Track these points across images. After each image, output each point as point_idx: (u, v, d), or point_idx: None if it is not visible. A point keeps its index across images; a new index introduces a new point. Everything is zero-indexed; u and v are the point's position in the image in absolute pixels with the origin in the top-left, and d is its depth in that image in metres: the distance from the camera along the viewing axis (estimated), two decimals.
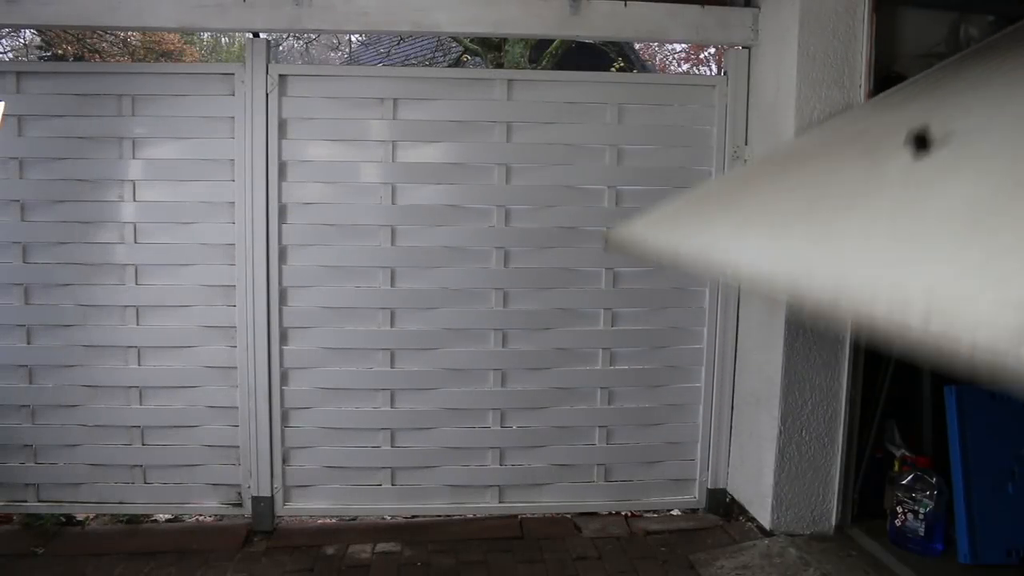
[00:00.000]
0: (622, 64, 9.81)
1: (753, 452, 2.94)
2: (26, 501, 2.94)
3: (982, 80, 2.02)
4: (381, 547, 2.83)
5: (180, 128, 2.84)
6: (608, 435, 3.06)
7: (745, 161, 2.97)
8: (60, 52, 9.84)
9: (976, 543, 2.54)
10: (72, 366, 2.89)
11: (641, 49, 12.17)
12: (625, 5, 2.82)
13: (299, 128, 2.86)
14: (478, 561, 2.73)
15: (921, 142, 1.77)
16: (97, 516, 3.02)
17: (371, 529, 2.99)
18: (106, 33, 9.18)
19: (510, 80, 2.95)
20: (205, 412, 2.93)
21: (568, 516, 3.08)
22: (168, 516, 3.04)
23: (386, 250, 2.92)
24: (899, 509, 2.67)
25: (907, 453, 2.77)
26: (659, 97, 3.02)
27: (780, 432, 2.77)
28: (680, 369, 3.08)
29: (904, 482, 2.68)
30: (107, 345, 2.89)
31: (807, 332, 2.74)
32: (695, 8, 2.87)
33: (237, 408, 2.92)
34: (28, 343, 2.87)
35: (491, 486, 3.05)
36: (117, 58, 9.68)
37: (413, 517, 3.09)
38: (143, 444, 2.93)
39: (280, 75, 2.83)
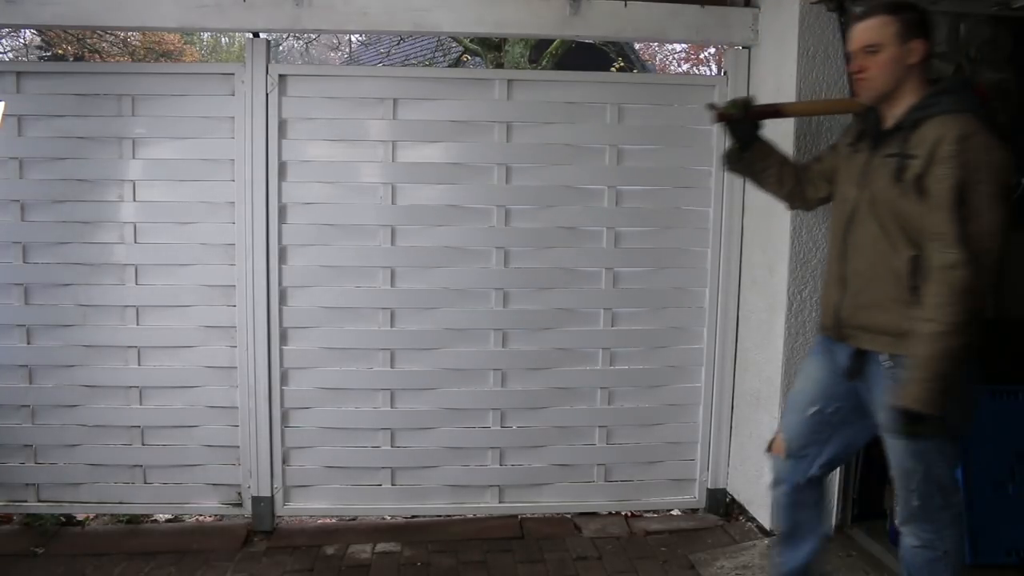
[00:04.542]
0: (622, 64, 9.82)
1: (753, 452, 2.93)
2: (26, 501, 2.93)
3: None
4: (381, 547, 2.83)
5: (180, 128, 2.83)
6: (608, 435, 3.06)
7: None
8: (60, 52, 9.86)
9: (976, 543, 2.53)
10: (72, 366, 2.89)
11: (641, 49, 12.18)
12: (625, 5, 2.82)
13: (299, 128, 2.86)
14: (478, 561, 2.73)
15: None
16: (97, 516, 3.02)
17: (371, 529, 2.99)
18: (106, 33, 9.18)
19: (510, 80, 2.95)
20: (205, 412, 2.93)
21: (568, 516, 3.08)
22: (168, 516, 3.04)
23: (386, 250, 2.92)
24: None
25: None
26: (659, 97, 3.02)
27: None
28: (680, 369, 3.08)
29: None
30: (107, 345, 2.89)
31: (807, 331, 2.74)
32: (695, 8, 2.87)
33: (237, 408, 2.91)
34: (28, 343, 2.87)
35: (491, 486, 3.05)
36: (117, 58, 9.69)
37: (413, 517, 3.09)
38: (143, 444, 2.92)
39: (280, 75, 2.82)
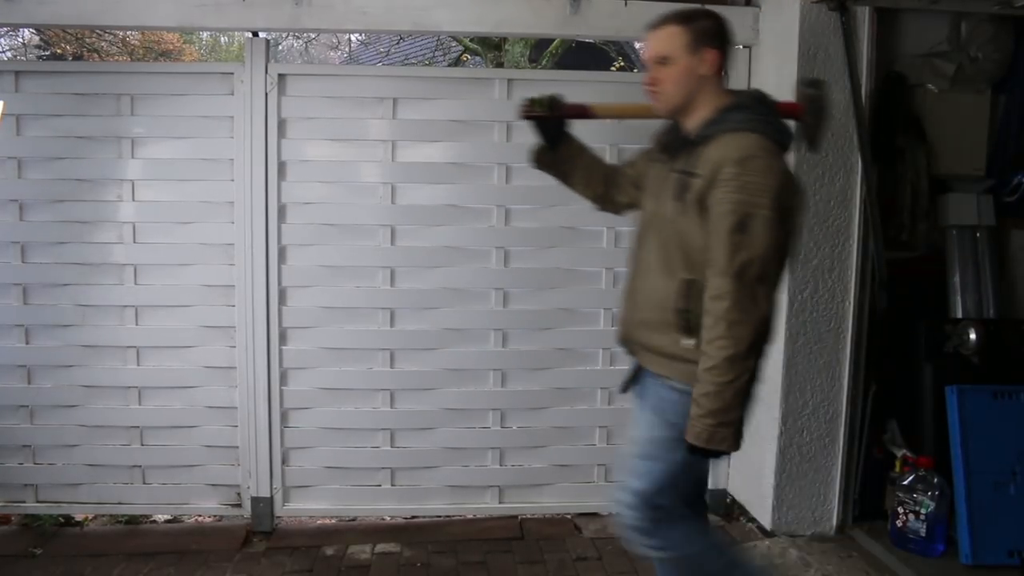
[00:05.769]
0: (622, 64, 9.80)
1: (753, 452, 2.92)
2: (25, 502, 2.93)
3: None
4: (381, 547, 2.83)
5: (179, 128, 2.82)
6: (608, 435, 3.05)
7: None
8: (59, 51, 9.84)
9: (977, 544, 2.53)
10: (71, 366, 2.88)
11: (641, 49, 12.17)
12: (625, 4, 2.81)
13: (298, 128, 2.85)
14: (478, 562, 2.72)
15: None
16: (96, 517, 3.01)
17: (371, 529, 2.98)
18: (105, 32, 9.17)
19: (510, 80, 2.94)
20: (204, 412, 2.92)
21: (568, 516, 3.07)
22: (167, 517, 3.03)
23: (386, 250, 2.91)
24: (900, 510, 2.66)
25: (908, 453, 2.76)
26: None
27: (781, 432, 2.76)
28: None
29: (905, 482, 2.67)
30: (106, 345, 2.88)
31: (808, 332, 2.74)
32: (695, 8, 2.85)
33: (236, 408, 2.91)
34: (27, 343, 2.86)
35: (491, 486, 3.04)
36: (116, 57, 9.68)
37: (413, 517, 3.08)
38: (142, 444, 2.92)
39: (279, 75, 2.81)
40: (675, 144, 1.81)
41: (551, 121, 2.00)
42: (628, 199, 2.05)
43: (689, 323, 1.70)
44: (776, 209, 1.61)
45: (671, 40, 1.76)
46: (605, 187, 2.08)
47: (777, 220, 1.61)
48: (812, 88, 1.89)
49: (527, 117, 2.00)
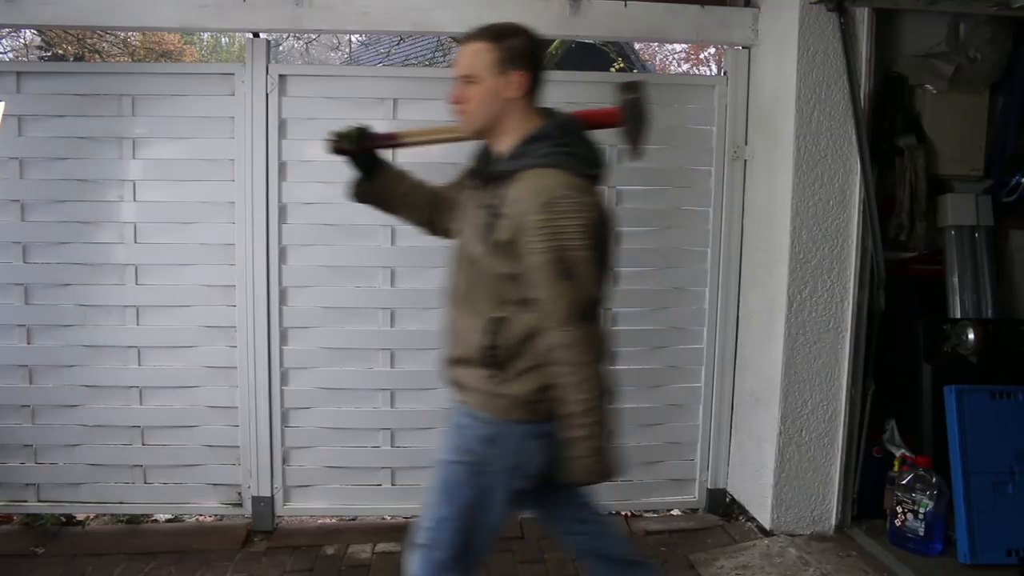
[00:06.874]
0: (622, 64, 9.79)
1: (753, 452, 2.94)
2: (26, 501, 2.94)
3: None
4: (381, 547, 2.83)
5: (180, 128, 2.83)
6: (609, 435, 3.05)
7: (745, 162, 2.97)
8: (60, 52, 9.84)
9: (976, 543, 2.54)
10: (72, 366, 2.89)
11: (641, 49, 12.15)
12: (625, 5, 2.82)
13: (299, 128, 2.85)
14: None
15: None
16: (97, 516, 3.02)
17: (371, 529, 2.99)
18: (106, 33, 9.18)
19: None
20: (205, 412, 2.93)
21: None
22: (168, 516, 3.04)
23: (386, 250, 2.92)
24: (899, 509, 2.67)
25: (907, 453, 2.77)
26: (659, 97, 2.97)
27: (780, 432, 2.77)
28: (680, 369, 3.08)
29: (904, 482, 2.68)
30: (107, 345, 2.89)
31: (807, 332, 2.74)
32: (695, 8, 2.87)
33: (237, 408, 2.92)
34: (28, 343, 2.87)
35: None
36: (117, 58, 9.67)
37: (413, 517, 3.08)
38: (143, 444, 2.93)
39: (280, 75, 2.82)
40: (483, 171, 1.72)
41: (361, 154, 1.93)
42: (454, 223, 1.91)
43: (496, 360, 1.65)
44: (592, 246, 1.57)
45: (477, 58, 1.66)
46: (430, 213, 1.97)
47: (595, 254, 1.58)
48: (629, 92, 1.80)
49: (335, 152, 1.93)
